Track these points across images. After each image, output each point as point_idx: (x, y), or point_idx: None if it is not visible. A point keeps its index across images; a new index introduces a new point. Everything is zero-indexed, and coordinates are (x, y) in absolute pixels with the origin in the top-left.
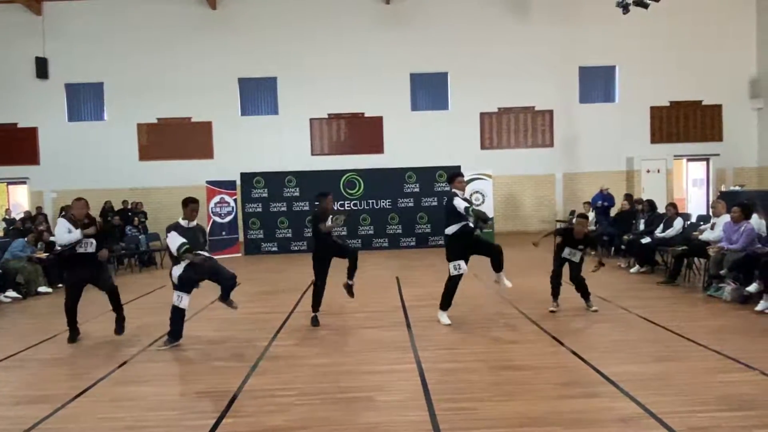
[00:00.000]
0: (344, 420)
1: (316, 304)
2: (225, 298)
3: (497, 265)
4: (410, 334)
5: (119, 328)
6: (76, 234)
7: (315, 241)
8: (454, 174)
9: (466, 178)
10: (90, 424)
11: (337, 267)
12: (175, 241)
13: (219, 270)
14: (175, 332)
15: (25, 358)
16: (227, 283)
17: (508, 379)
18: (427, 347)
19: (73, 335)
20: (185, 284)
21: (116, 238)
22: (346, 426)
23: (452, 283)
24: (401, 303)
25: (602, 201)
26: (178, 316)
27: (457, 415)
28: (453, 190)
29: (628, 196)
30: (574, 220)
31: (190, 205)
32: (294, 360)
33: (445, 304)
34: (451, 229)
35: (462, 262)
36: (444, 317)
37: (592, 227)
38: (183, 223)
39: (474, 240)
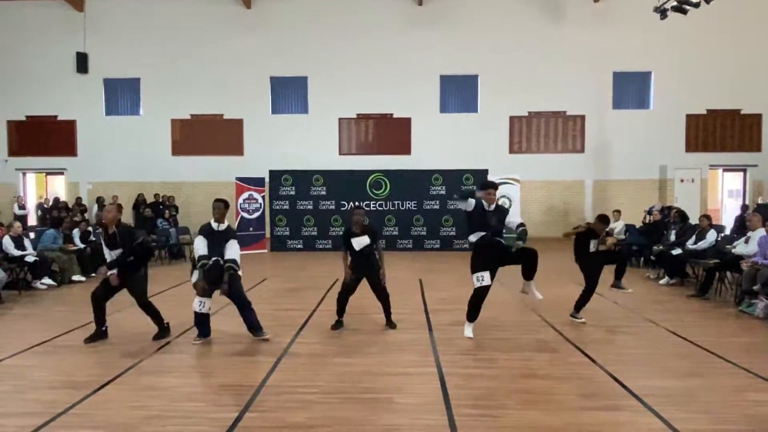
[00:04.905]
0: (363, 420)
1: (338, 309)
2: (253, 329)
3: (528, 272)
4: (431, 338)
5: (157, 335)
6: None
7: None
8: (482, 184)
9: (482, 187)
10: (118, 411)
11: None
12: (198, 247)
13: (235, 292)
14: (203, 332)
15: (59, 344)
16: (243, 311)
17: (529, 387)
18: (448, 351)
19: (94, 335)
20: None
21: (144, 252)
22: (366, 426)
23: (476, 295)
24: (424, 306)
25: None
26: (199, 320)
27: (475, 421)
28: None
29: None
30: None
31: (213, 204)
32: (316, 358)
33: (471, 315)
34: (472, 237)
35: (486, 274)
36: (467, 329)
37: (621, 236)
38: (214, 225)
39: (502, 249)
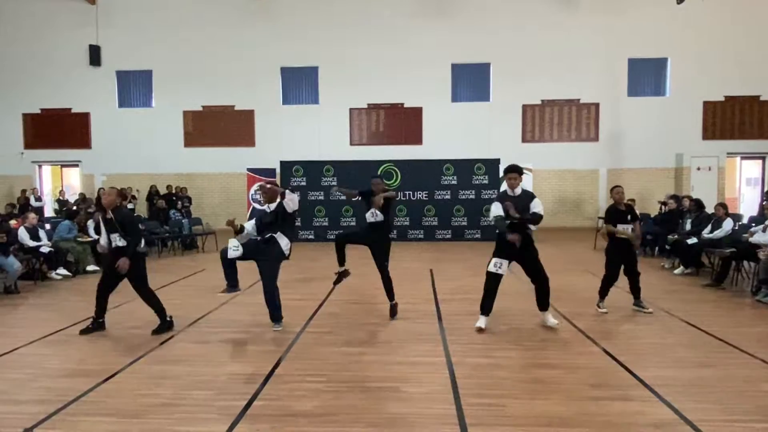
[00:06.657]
0: (371, 409)
1: (338, 257)
2: (272, 319)
3: (542, 302)
4: (441, 328)
5: (158, 329)
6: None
7: None
8: (504, 170)
9: (504, 172)
10: (128, 399)
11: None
12: (246, 226)
13: (264, 269)
14: (231, 284)
15: (73, 334)
16: (266, 295)
17: (538, 377)
18: (457, 341)
19: (92, 327)
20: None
21: (138, 237)
22: (373, 415)
23: (488, 281)
24: (434, 296)
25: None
26: (225, 263)
27: (484, 410)
28: (503, 187)
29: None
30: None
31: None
32: (324, 347)
33: (483, 305)
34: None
35: (504, 262)
36: (479, 320)
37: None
38: (265, 207)
39: (524, 245)
